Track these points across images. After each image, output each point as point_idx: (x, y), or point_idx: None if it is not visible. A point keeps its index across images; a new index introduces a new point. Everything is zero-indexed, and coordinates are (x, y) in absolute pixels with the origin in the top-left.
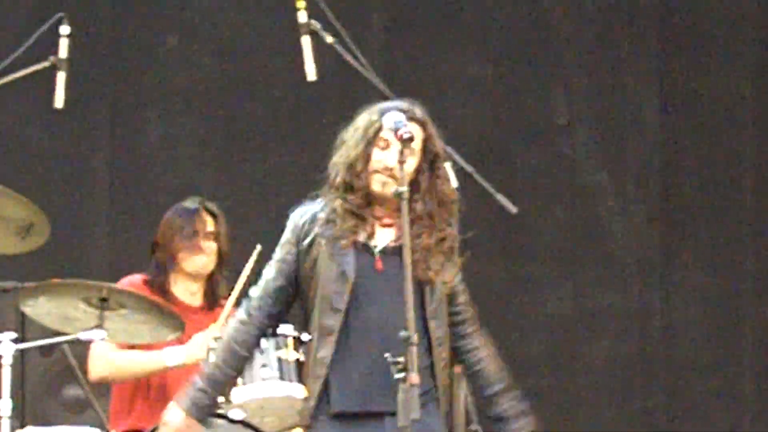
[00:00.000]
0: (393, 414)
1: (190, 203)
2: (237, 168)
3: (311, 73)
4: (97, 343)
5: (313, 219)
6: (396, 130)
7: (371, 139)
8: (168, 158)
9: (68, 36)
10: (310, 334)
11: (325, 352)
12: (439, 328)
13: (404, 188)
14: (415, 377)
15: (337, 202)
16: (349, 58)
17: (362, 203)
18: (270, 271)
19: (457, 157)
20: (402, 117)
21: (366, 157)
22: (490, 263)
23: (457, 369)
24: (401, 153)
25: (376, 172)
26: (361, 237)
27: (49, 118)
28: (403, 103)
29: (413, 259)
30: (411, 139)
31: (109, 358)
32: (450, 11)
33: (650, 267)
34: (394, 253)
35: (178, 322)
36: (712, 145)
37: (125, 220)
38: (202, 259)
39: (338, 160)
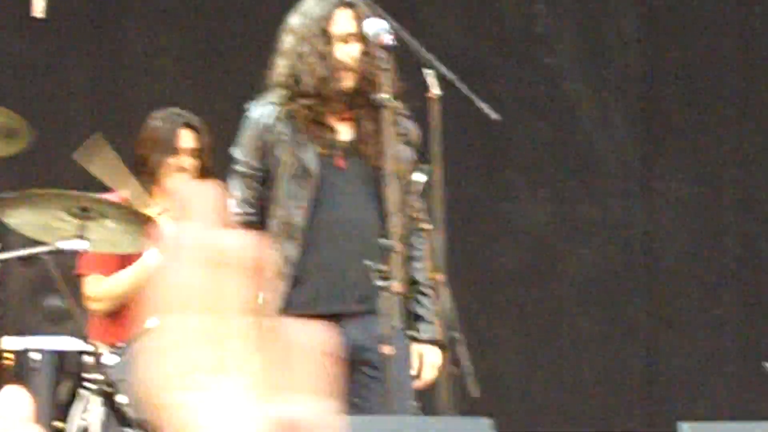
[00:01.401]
0: (353, 314)
1: (173, 117)
2: (218, 80)
3: None
4: (87, 281)
5: (275, 117)
6: (378, 36)
7: (330, 38)
8: (149, 70)
9: None
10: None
11: (291, 250)
12: (399, 225)
13: (388, 95)
14: (398, 285)
15: (296, 107)
16: None
17: (320, 107)
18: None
19: (438, 65)
20: (384, 23)
21: (328, 56)
22: (469, 174)
23: (440, 276)
24: (385, 60)
25: (344, 69)
26: (323, 136)
27: (29, 28)
28: None
29: (372, 151)
30: (394, 45)
31: (100, 291)
32: None
33: (631, 176)
34: (354, 149)
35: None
36: (694, 53)
37: (105, 131)
38: (184, 177)
39: (294, 63)
